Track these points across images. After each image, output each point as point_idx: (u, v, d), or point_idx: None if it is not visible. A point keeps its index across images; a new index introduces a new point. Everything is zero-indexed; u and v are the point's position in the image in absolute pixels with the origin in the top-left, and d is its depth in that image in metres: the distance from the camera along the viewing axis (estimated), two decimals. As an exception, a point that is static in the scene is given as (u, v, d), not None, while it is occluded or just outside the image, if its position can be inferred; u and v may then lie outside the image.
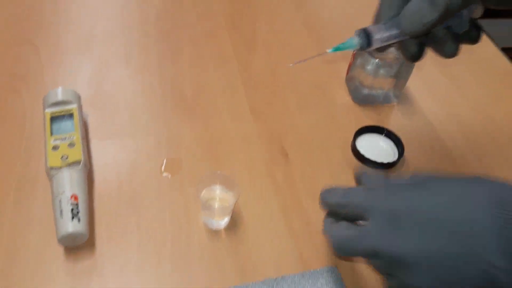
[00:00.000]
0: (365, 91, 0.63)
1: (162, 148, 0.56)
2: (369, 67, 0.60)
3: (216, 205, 0.48)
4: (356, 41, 0.39)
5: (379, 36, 0.39)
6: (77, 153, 0.50)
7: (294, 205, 0.52)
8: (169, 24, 0.74)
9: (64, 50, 0.68)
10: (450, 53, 0.39)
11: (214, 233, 0.48)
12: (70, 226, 0.44)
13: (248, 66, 0.68)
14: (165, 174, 0.54)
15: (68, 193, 0.46)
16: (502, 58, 0.71)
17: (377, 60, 0.59)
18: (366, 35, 0.39)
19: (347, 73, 0.67)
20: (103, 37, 0.71)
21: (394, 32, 0.39)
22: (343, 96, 0.65)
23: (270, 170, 0.55)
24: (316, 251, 0.48)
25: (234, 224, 0.49)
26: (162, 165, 0.54)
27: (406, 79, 0.62)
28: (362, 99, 0.64)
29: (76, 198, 0.46)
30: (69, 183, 0.47)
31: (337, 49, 0.39)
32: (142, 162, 0.55)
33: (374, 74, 0.60)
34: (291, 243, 0.48)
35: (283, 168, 0.55)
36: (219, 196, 0.49)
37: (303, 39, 0.73)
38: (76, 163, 0.49)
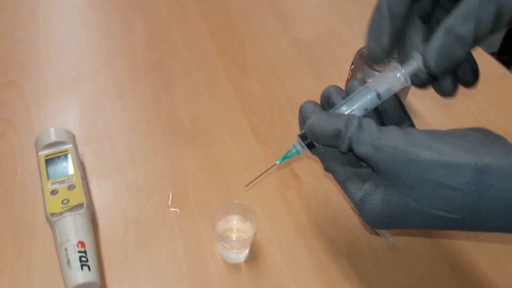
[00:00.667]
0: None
1: (166, 181, 0.53)
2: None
3: (234, 236, 0.45)
4: (299, 147, 0.40)
5: None
6: (78, 196, 0.46)
7: (312, 228, 0.49)
8: (157, 55, 0.72)
9: (50, 89, 0.65)
10: (449, 93, 0.38)
11: (234, 267, 0.45)
12: (80, 276, 0.40)
13: (243, 90, 0.66)
14: (172, 209, 0.50)
15: (73, 240, 0.42)
16: (494, 62, 0.72)
17: (377, 73, 0.58)
18: (306, 139, 0.39)
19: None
20: (90, 73, 0.68)
21: None
22: (344, 112, 0.64)
23: (283, 195, 0.52)
24: (344, 273, 0.45)
25: (254, 256, 0.46)
26: (168, 199, 0.51)
27: (408, 89, 0.61)
28: (364, 114, 0.63)
29: (83, 244, 0.42)
30: (73, 229, 0.43)
31: (284, 158, 0.41)
32: (147, 199, 0.51)
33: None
34: (317, 268, 0.46)
35: (296, 191, 0.53)
36: (236, 227, 0.46)
37: (293, 59, 0.72)
38: (79, 206, 0.45)
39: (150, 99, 0.64)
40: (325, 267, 0.46)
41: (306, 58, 0.73)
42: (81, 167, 0.51)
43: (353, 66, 0.63)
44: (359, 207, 0.35)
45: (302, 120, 0.39)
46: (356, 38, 0.75)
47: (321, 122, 0.36)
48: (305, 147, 0.39)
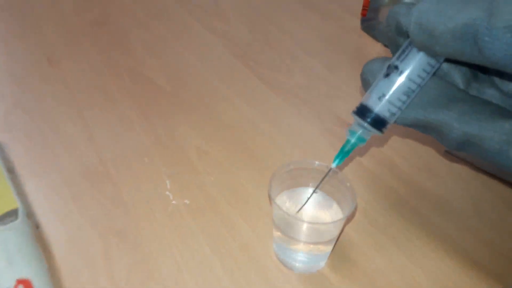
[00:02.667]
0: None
1: (154, 165, 0.32)
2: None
3: (305, 226, 0.25)
4: (360, 131, 0.23)
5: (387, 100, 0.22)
6: (6, 198, 0.24)
7: (410, 190, 0.31)
8: (95, 14, 0.51)
9: None
10: None
11: (312, 279, 0.26)
12: None
13: (231, 38, 0.47)
14: (175, 201, 0.30)
15: (7, 278, 0.21)
16: None
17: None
18: (367, 113, 0.22)
19: (364, 15, 0.49)
20: (2, 38, 0.46)
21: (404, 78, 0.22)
22: (374, 47, 0.47)
23: (351, 158, 0.34)
24: (493, 276, 0.27)
25: (340, 259, 0.27)
26: (166, 189, 0.31)
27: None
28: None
29: (27, 285, 0.21)
30: (4, 256, 0.22)
31: (342, 156, 0.24)
32: (130, 194, 0.30)
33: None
34: (446, 244, 0.27)
35: (364, 148, 0.34)
36: (312, 211, 0.26)
37: None
38: (8, 216, 0.23)
39: (100, 61, 0.43)
40: (458, 244, 0.28)
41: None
42: (5, 156, 0.29)
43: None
44: None
45: (367, 85, 0.23)
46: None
47: (439, 6, 0.19)
48: (372, 127, 0.22)
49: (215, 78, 0.41)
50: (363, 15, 0.49)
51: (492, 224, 0.29)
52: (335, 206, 0.26)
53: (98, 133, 0.35)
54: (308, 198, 0.25)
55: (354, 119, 0.23)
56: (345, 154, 0.24)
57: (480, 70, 0.24)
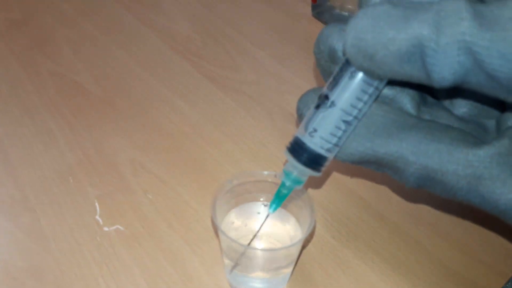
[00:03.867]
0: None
1: (80, 184, 0.28)
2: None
3: (259, 254, 0.21)
4: (295, 172, 0.20)
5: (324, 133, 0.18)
6: None
7: (380, 197, 0.28)
8: (16, 13, 0.45)
9: None
10: None
11: (272, 303, 0.22)
12: None
13: (169, 31, 0.43)
14: (107, 228, 0.25)
15: None
16: None
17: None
18: (300, 151, 0.19)
19: (314, 1, 0.45)
20: None
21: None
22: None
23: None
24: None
25: (301, 281, 0.23)
26: (95, 212, 0.26)
27: None
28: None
29: None
30: None
31: (278, 200, 0.21)
32: (52, 226, 0.26)
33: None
34: (418, 284, 0.24)
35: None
36: (266, 230, 0.23)
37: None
38: None
39: (18, 66, 0.37)
40: (431, 252, 0.25)
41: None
42: None
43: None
44: None
45: (300, 117, 0.20)
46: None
47: (377, 24, 0.16)
48: (307, 168, 0.19)
49: (152, 78, 0.37)
50: (313, 1, 0.46)
51: (466, 228, 0.26)
52: (293, 221, 0.23)
53: (13, 152, 0.30)
54: (256, 233, 0.21)
55: (287, 156, 0.20)
56: (282, 198, 0.21)
57: (431, 93, 0.20)
